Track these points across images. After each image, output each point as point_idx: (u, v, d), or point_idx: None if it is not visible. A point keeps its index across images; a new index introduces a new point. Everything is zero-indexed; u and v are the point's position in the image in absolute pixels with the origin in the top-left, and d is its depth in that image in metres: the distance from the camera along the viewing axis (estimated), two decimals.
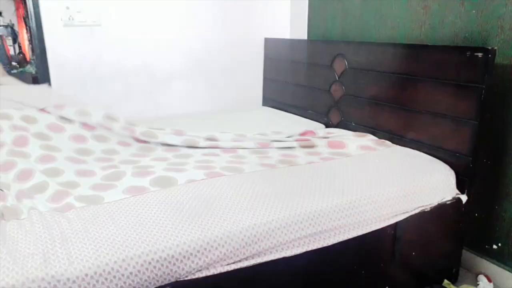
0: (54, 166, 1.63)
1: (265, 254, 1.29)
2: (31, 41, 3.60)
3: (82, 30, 2.38)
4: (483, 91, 1.60)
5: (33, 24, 2.30)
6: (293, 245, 1.33)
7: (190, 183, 1.49)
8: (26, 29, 4.71)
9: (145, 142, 1.98)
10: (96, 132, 1.96)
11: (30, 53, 4.19)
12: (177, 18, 2.64)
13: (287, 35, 2.96)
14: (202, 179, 1.52)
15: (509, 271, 1.83)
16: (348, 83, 2.26)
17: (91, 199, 1.38)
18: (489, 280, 1.84)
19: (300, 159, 1.80)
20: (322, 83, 2.44)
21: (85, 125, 1.96)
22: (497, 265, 1.87)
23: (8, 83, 2.41)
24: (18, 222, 1.21)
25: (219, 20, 2.77)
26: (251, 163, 1.72)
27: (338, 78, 2.32)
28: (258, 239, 1.26)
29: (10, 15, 5.05)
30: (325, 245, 1.39)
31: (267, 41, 2.94)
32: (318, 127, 2.39)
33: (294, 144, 1.98)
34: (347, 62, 2.24)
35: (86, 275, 1.03)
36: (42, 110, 1.94)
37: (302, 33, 2.84)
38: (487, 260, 1.90)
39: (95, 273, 1.04)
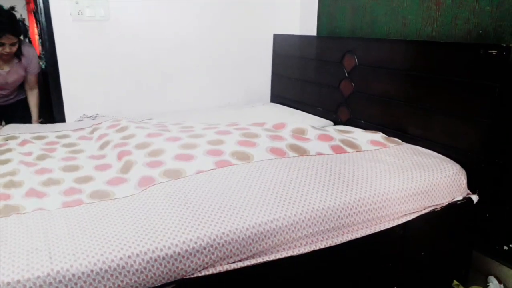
0: (75, 164, 1.69)
1: (271, 252, 1.27)
2: (41, 36, 3.61)
3: (91, 24, 2.38)
4: (497, 89, 1.56)
5: (42, 18, 2.30)
6: (300, 243, 1.32)
7: (198, 174, 1.50)
8: (36, 23, 4.73)
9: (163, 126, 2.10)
10: (119, 126, 2.07)
11: (40, 47, 4.21)
12: (185, 13, 2.62)
13: (296, 31, 2.93)
14: (211, 169, 1.53)
15: None
16: (358, 80, 2.23)
17: (102, 194, 1.40)
18: (500, 282, 1.81)
19: (311, 144, 1.81)
20: (331, 79, 2.42)
21: (112, 125, 2.11)
22: (507, 266, 1.83)
23: None
24: (18, 217, 1.22)
25: (228, 16, 2.75)
26: (261, 147, 1.72)
27: (348, 74, 2.29)
28: (265, 237, 1.25)
29: (21, 10, 5.08)
30: (333, 244, 1.37)
31: (276, 37, 2.91)
32: (326, 124, 2.38)
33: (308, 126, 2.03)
34: (357, 59, 2.21)
35: (92, 271, 1.02)
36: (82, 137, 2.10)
37: (311, 29, 2.81)
38: (498, 261, 1.87)
39: (101, 269, 1.03)
